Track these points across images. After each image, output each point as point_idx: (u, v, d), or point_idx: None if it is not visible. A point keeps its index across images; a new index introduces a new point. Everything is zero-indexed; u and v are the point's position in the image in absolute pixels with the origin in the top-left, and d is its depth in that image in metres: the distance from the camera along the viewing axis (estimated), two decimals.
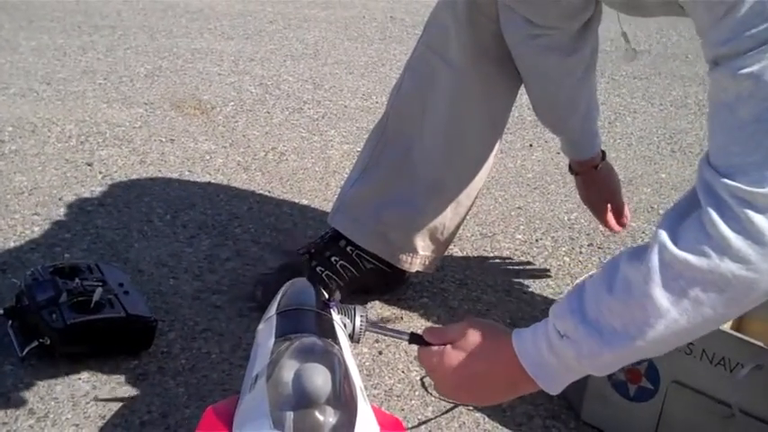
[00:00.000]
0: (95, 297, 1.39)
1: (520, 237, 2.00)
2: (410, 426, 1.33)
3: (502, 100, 1.57)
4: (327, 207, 1.94)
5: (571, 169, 1.73)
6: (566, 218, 2.12)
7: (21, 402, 1.29)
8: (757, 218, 0.82)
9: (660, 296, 0.87)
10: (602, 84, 3.26)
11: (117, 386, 1.35)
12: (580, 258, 1.92)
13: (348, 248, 1.62)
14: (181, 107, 2.64)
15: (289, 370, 0.87)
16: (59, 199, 1.94)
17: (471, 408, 1.37)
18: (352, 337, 1.10)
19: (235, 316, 1.56)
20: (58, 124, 2.40)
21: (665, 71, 3.64)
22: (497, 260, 1.88)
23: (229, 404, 0.93)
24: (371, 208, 1.59)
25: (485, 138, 1.59)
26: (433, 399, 1.39)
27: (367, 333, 1.11)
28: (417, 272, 1.66)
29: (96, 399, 1.31)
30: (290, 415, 0.82)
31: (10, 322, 1.41)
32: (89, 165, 2.15)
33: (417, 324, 1.59)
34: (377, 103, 2.84)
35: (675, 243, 0.86)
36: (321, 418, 0.82)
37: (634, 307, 0.89)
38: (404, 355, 1.50)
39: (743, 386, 1.18)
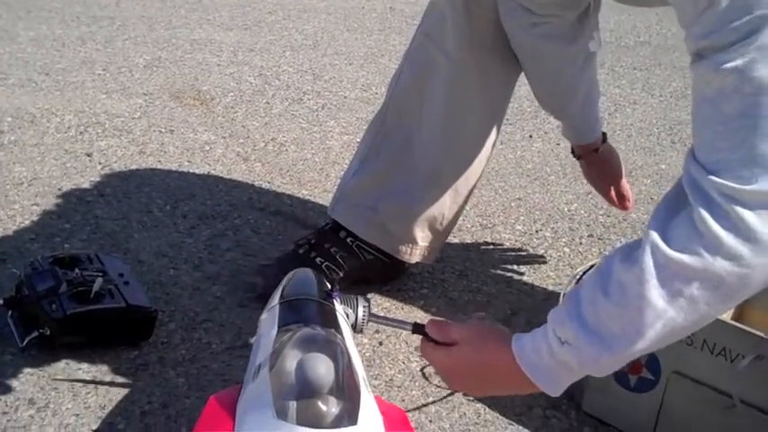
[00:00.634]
0: (95, 287, 1.38)
1: (520, 228, 2.00)
2: (410, 411, 1.33)
3: (500, 89, 1.57)
4: (327, 198, 1.94)
5: (573, 152, 1.74)
6: (565, 209, 2.12)
7: (21, 392, 1.29)
8: (746, 214, 0.81)
9: (656, 297, 0.86)
10: (602, 75, 3.25)
11: (117, 376, 1.35)
12: (580, 249, 1.92)
13: (348, 239, 1.62)
14: (180, 98, 2.63)
15: (292, 360, 0.87)
16: (59, 189, 1.94)
17: (472, 398, 1.37)
18: (355, 327, 1.10)
19: (235, 306, 1.56)
20: (58, 115, 2.39)
21: (666, 62, 3.64)
22: (497, 251, 1.88)
23: (232, 393, 0.93)
24: (371, 199, 1.59)
25: (483, 127, 1.58)
26: (433, 389, 1.39)
27: (369, 323, 1.11)
28: (417, 263, 1.66)
29: (96, 388, 1.31)
30: (293, 404, 0.82)
31: (10, 312, 1.40)
32: (88, 155, 2.15)
33: (418, 315, 1.59)
34: (376, 93, 2.84)
35: (667, 243, 0.85)
36: (324, 407, 0.82)
37: (631, 309, 0.89)
38: (404, 346, 1.50)
39: (744, 376, 1.18)
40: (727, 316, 1.26)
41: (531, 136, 2.60)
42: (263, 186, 2.08)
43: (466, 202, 1.63)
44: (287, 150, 2.32)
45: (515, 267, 1.81)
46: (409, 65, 1.56)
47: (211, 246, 1.76)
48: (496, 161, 2.34)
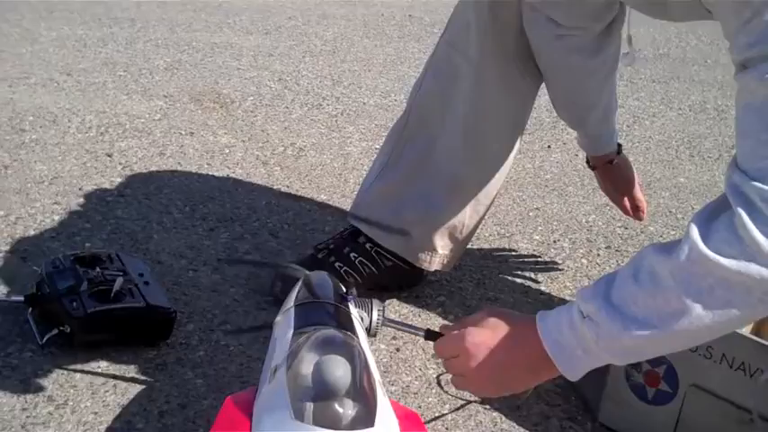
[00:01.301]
0: (116, 286, 1.39)
1: (537, 237, 2.00)
2: (426, 422, 1.33)
3: (522, 98, 1.57)
4: (346, 203, 1.95)
5: (588, 163, 1.74)
6: (583, 220, 2.12)
7: (40, 389, 1.30)
8: None
9: (686, 292, 0.87)
10: (621, 87, 3.24)
11: (136, 375, 1.35)
12: (597, 261, 1.92)
13: (367, 245, 1.62)
14: (200, 100, 2.64)
15: (308, 361, 0.87)
16: (79, 189, 1.95)
17: (488, 407, 1.37)
18: (369, 331, 1.11)
19: (252, 309, 1.57)
20: (79, 115, 2.41)
21: (684, 75, 3.63)
22: (515, 260, 1.88)
23: (249, 395, 0.93)
24: (391, 205, 1.59)
25: (505, 135, 1.59)
26: (449, 397, 1.39)
27: (384, 328, 1.12)
28: (435, 270, 1.66)
29: (115, 387, 1.32)
30: (310, 406, 0.83)
31: (30, 310, 1.41)
32: (109, 156, 2.16)
33: (434, 322, 1.59)
34: (395, 101, 2.84)
35: (706, 242, 0.86)
36: (341, 410, 0.82)
37: (659, 299, 0.89)
38: (421, 353, 1.50)
39: (762, 391, 1.17)
40: (746, 330, 1.25)
41: (549, 146, 2.60)
42: (282, 190, 2.08)
43: (486, 211, 1.63)
44: (306, 155, 2.32)
45: (533, 277, 1.81)
46: (432, 72, 1.57)
47: (230, 248, 1.77)
48: (515, 171, 2.34)
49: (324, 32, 3.73)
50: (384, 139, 1.67)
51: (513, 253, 1.92)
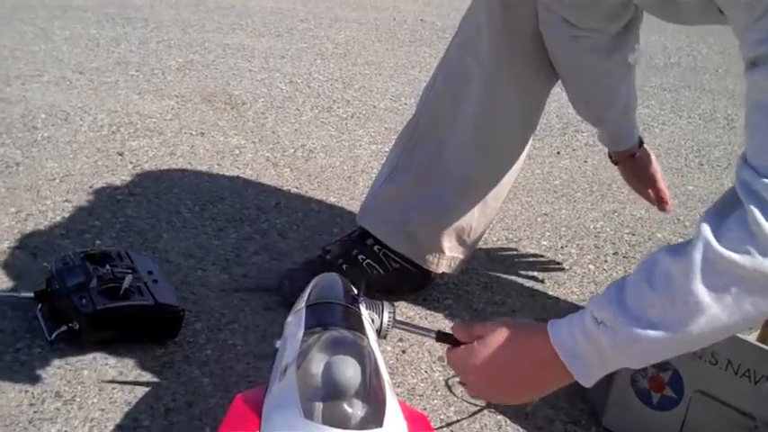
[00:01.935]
0: (125, 284, 1.40)
1: (545, 243, 2.01)
2: (432, 425, 1.33)
3: (533, 101, 1.57)
4: (354, 205, 1.96)
5: (611, 158, 1.74)
6: (591, 226, 2.12)
7: (48, 385, 1.31)
8: None
9: (702, 292, 0.87)
10: None
11: (143, 373, 1.36)
12: (605, 267, 1.92)
13: (375, 247, 1.63)
14: (211, 101, 2.66)
15: (318, 361, 0.87)
16: (90, 187, 1.97)
17: (493, 410, 1.38)
18: (380, 333, 1.11)
19: (260, 309, 1.57)
20: (91, 113, 2.42)
21: (695, 84, 3.63)
22: (522, 265, 1.89)
23: (258, 393, 0.94)
24: (400, 207, 1.60)
25: (515, 138, 1.59)
26: (455, 399, 1.40)
27: (393, 330, 1.12)
28: (443, 273, 1.66)
29: (122, 384, 1.33)
30: (319, 405, 0.83)
31: (39, 306, 1.42)
32: (120, 154, 2.17)
33: (442, 325, 1.60)
34: (405, 104, 2.85)
35: (719, 240, 0.86)
36: (350, 410, 0.82)
37: (675, 301, 0.89)
38: (427, 355, 1.50)
39: (766, 398, 1.17)
40: (752, 337, 1.26)
41: (558, 152, 2.60)
42: (292, 192, 2.09)
43: (495, 214, 1.64)
44: (316, 157, 2.33)
45: (540, 282, 1.81)
46: (443, 74, 1.57)
47: (239, 248, 1.78)
48: (523, 176, 2.35)
49: (335, 36, 3.74)
50: (394, 141, 1.67)
51: (521, 258, 1.92)
